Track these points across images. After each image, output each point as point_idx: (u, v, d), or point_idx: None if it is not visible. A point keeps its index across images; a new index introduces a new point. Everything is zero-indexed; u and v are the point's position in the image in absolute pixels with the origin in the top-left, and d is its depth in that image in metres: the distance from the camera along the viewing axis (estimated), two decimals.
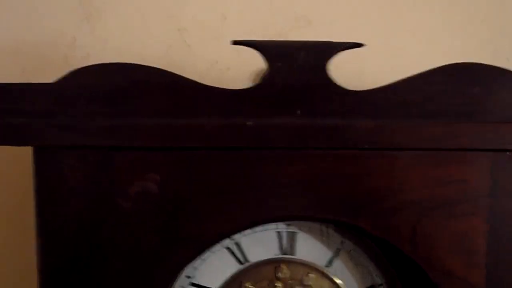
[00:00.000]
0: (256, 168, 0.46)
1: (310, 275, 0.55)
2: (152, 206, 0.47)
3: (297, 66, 0.47)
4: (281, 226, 0.55)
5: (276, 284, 0.55)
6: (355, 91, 0.47)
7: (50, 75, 0.48)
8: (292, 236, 0.55)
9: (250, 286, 0.55)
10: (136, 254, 0.47)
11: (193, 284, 0.55)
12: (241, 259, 0.55)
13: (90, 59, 0.72)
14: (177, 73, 0.47)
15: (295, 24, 0.73)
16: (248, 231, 0.55)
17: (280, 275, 0.55)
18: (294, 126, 0.46)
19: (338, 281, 0.55)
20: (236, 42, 0.49)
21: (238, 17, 0.73)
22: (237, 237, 0.55)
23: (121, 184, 0.47)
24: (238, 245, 0.55)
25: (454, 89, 0.47)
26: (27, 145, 0.46)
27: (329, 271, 0.55)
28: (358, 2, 0.73)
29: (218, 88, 0.47)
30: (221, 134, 0.45)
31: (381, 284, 0.55)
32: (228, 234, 0.48)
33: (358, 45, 0.48)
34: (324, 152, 0.46)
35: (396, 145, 0.46)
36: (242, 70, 0.71)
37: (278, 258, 0.55)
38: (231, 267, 0.55)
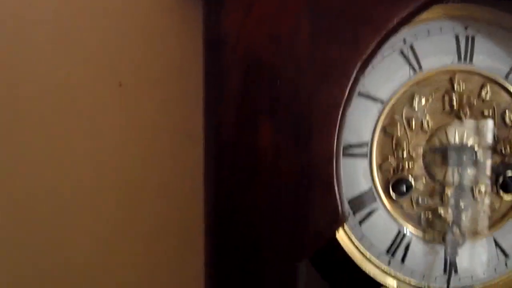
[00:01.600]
0: None
1: (488, 86, 0.48)
2: None
3: None
4: (459, 29, 0.48)
5: (452, 97, 0.48)
6: None
7: None
8: (470, 41, 0.48)
9: (422, 100, 0.48)
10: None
11: (360, 94, 0.47)
12: (415, 65, 0.48)
13: None
14: None
15: None
16: (424, 34, 0.47)
17: (456, 86, 0.48)
18: None
19: None
20: None
21: None
22: (411, 39, 0.47)
23: None
24: (412, 49, 0.48)
25: None
26: None
27: (509, 83, 0.49)
28: None
29: None
30: None
31: None
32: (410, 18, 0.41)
33: None
34: None
35: None
36: None
37: (454, 67, 0.48)
38: (403, 75, 0.48)
